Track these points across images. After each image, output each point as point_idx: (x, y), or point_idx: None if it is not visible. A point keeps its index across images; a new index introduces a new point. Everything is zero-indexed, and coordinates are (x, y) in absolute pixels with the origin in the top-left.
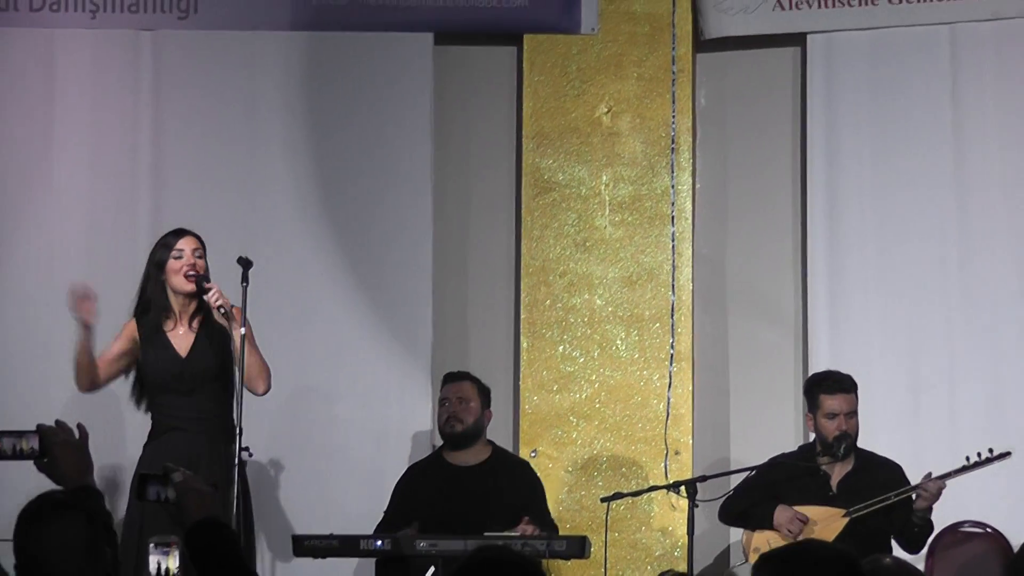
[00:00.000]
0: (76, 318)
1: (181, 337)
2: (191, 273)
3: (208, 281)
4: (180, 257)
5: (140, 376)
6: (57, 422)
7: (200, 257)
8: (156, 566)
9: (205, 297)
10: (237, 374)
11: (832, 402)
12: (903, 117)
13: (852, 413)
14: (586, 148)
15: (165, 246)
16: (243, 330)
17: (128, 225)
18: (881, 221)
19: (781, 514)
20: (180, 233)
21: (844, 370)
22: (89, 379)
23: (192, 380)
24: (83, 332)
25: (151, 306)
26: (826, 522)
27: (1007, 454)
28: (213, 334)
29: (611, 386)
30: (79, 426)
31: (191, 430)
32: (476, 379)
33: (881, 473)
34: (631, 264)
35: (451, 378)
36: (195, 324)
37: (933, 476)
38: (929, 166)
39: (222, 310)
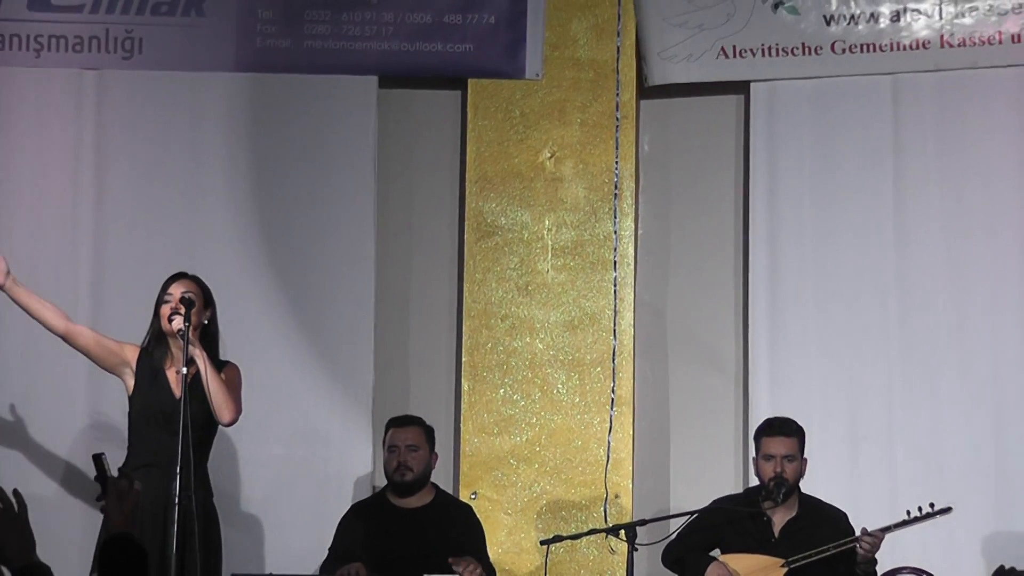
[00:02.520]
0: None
1: (176, 378)
2: (170, 316)
3: (186, 319)
4: (168, 301)
5: (129, 410)
6: None
7: (188, 302)
8: None
9: (170, 325)
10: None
11: (770, 444)
12: (845, 166)
13: (791, 457)
14: (529, 193)
15: (161, 290)
16: (184, 369)
17: (69, 264)
18: (822, 270)
19: (713, 571)
20: (175, 277)
21: (783, 415)
22: (55, 322)
23: (179, 421)
24: (9, 292)
25: (154, 346)
26: (765, 571)
27: (948, 510)
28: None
29: (552, 429)
30: (15, 493)
31: (166, 469)
32: (422, 422)
33: (824, 520)
34: (573, 308)
35: (398, 423)
36: (192, 369)
37: (871, 529)
38: (870, 216)
39: (180, 332)
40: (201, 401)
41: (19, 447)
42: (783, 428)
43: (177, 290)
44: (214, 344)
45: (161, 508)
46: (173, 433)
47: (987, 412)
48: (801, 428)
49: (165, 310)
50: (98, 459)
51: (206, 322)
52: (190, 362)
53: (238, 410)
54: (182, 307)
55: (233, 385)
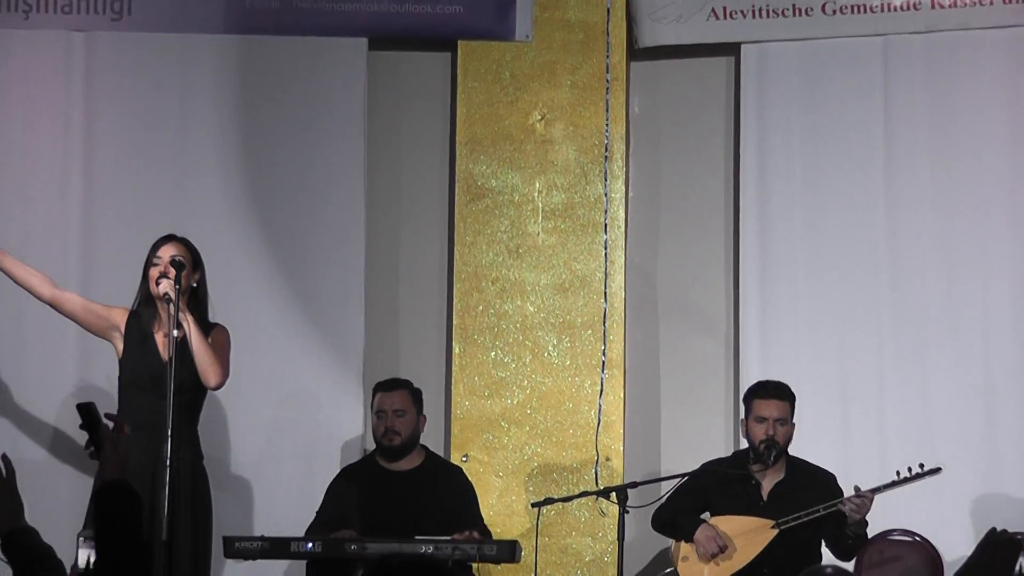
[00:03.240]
0: None
1: (165, 341)
2: (158, 279)
3: (176, 282)
4: (157, 264)
5: (119, 374)
6: None
7: (178, 264)
8: (85, 560)
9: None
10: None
11: (762, 406)
12: (835, 127)
13: (782, 421)
14: (519, 155)
15: (150, 252)
16: (176, 332)
17: (58, 227)
18: (812, 233)
19: (702, 532)
20: (164, 240)
21: (774, 379)
22: (41, 289)
23: (168, 384)
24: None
25: (143, 309)
26: (755, 533)
27: (937, 470)
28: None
29: (542, 392)
30: (3, 458)
31: (155, 432)
32: (409, 384)
33: (813, 482)
34: (563, 271)
35: (385, 387)
36: (181, 333)
37: (862, 490)
38: (860, 176)
39: (167, 297)
40: (190, 364)
41: (8, 412)
42: (776, 391)
43: (166, 253)
44: (203, 307)
45: (150, 471)
46: (161, 396)
47: (976, 375)
48: (793, 393)
49: (154, 273)
50: (88, 408)
51: (195, 285)
52: (178, 326)
53: (225, 373)
54: (171, 270)
55: (221, 348)
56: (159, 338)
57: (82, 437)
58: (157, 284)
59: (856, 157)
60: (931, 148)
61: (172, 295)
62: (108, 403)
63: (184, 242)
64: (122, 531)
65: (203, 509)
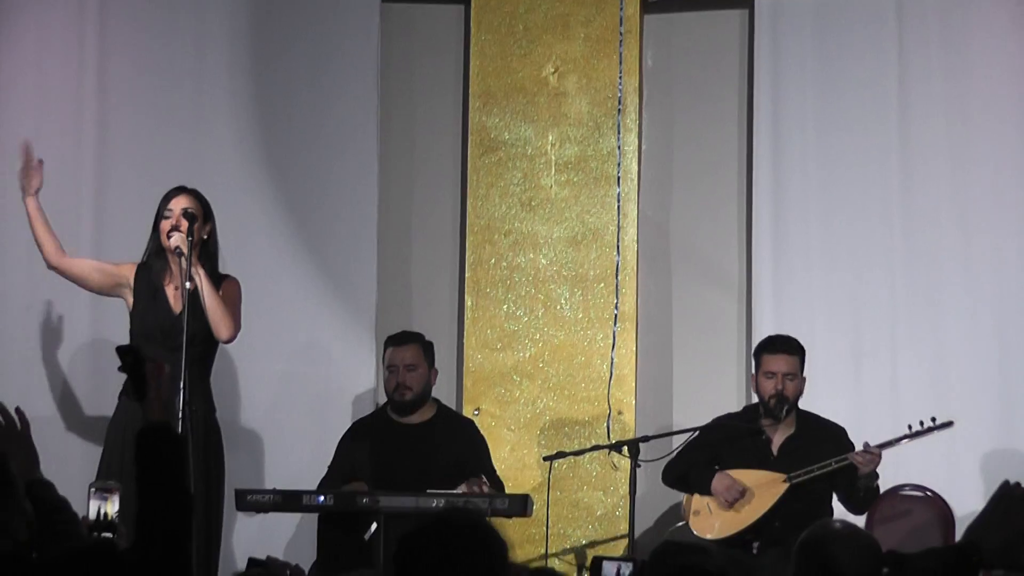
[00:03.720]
0: (29, 184)
1: (175, 294)
2: (170, 232)
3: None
4: (169, 216)
5: (130, 327)
6: None
7: (190, 216)
8: (96, 511)
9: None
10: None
11: (771, 361)
12: (849, 81)
13: (791, 375)
14: (532, 108)
15: (162, 205)
16: (188, 284)
17: (72, 180)
18: (826, 186)
19: (719, 481)
20: (176, 192)
21: (786, 332)
22: (51, 254)
23: (180, 337)
24: (26, 203)
25: (153, 262)
26: (766, 487)
27: (949, 423)
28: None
29: (555, 345)
30: (18, 411)
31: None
32: (420, 338)
33: (823, 436)
34: (576, 224)
35: (396, 341)
36: (191, 285)
37: (874, 444)
38: (874, 131)
39: (178, 250)
40: (201, 317)
41: (21, 366)
42: (785, 346)
43: (177, 205)
44: (214, 259)
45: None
46: (172, 349)
47: (991, 329)
48: (802, 347)
49: (165, 226)
50: (129, 349)
51: (205, 237)
52: (190, 278)
53: (236, 326)
54: (183, 223)
55: (231, 301)
56: (170, 291)
57: (94, 389)
58: (169, 237)
59: (870, 109)
60: (945, 100)
61: (184, 248)
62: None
63: (195, 194)
64: (165, 473)
65: (216, 462)
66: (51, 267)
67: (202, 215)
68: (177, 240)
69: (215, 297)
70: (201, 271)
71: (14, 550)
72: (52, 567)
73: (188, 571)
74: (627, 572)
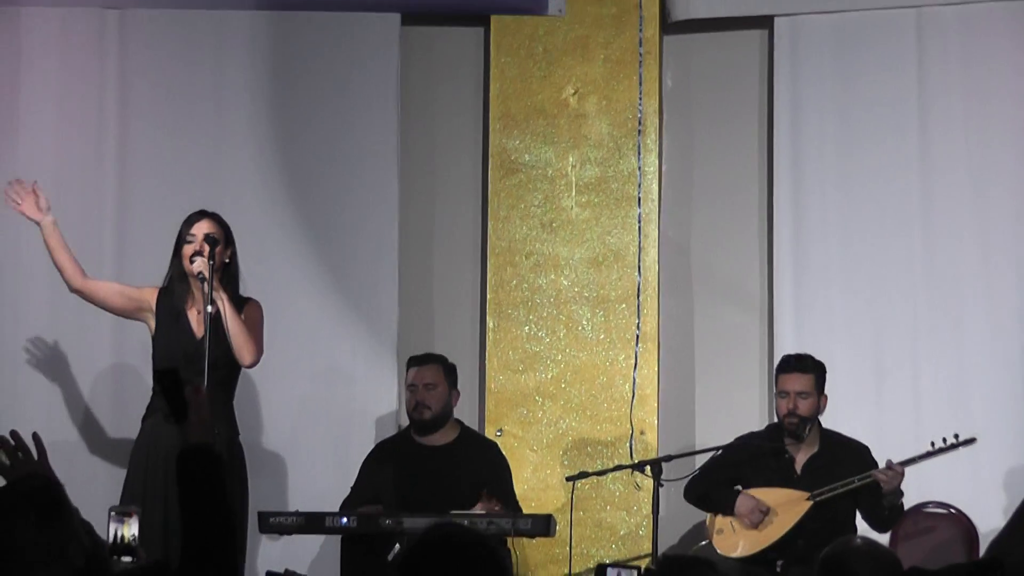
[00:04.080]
0: (38, 212)
1: (198, 318)
2: (192, 256)
3: (209, 257)
4: (192, 241)
5: (152, 352)
6: (9, 436)
7: (212, 241)
8: (114, 534)
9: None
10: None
11: (784, 380)
12: (869, 100)
13: (804, 394)
14: (552, 130)
15: (184, 229)
16: (210, 308)
17: (93, 204)
18: (847, 205)
19: (743, 503)
20: (198, 216)
21: (808, 351)
22: (72, 277)
23: (202, 361)
24: (43, 230)
25: (176, 286)
26: (789, 505)
27: (972, 440)
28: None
29: (577, 366)
30: (35, 437)
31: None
32: (442, 359)
33: (846, 455)
34: (597, 245)
35: (417, 361)
36: (213, 309)
37: (896, 461)
38: (894, 149)
39: (201, 275)
40: (224, 341)
41: (42, 389)
42: (797, 364)
43: (200, 230)
44: (235, 282)
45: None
46: (196, 373)
47: (1013, 345)
48: (819, 364)
49: (188, 251)
50: (169, 373)
51: (227, 261)
52: (212, 302)
53: (259, 351)
54: (205, 247)
55: (254, 325)
56: (192, 315)
57: (117, 413)
58: (191, 262)
59: (890, 129)
60: (965, 119)
61: (207, 273)
62: (142, 382)
63: (216, 218)
64: (208, 494)
65: (240, 486)
66: (73, 290)
67: (224, 239)
68: (200, 265)
69: (238, 322)
70: (223, 296)
71: None
72: None
73: None
74: None
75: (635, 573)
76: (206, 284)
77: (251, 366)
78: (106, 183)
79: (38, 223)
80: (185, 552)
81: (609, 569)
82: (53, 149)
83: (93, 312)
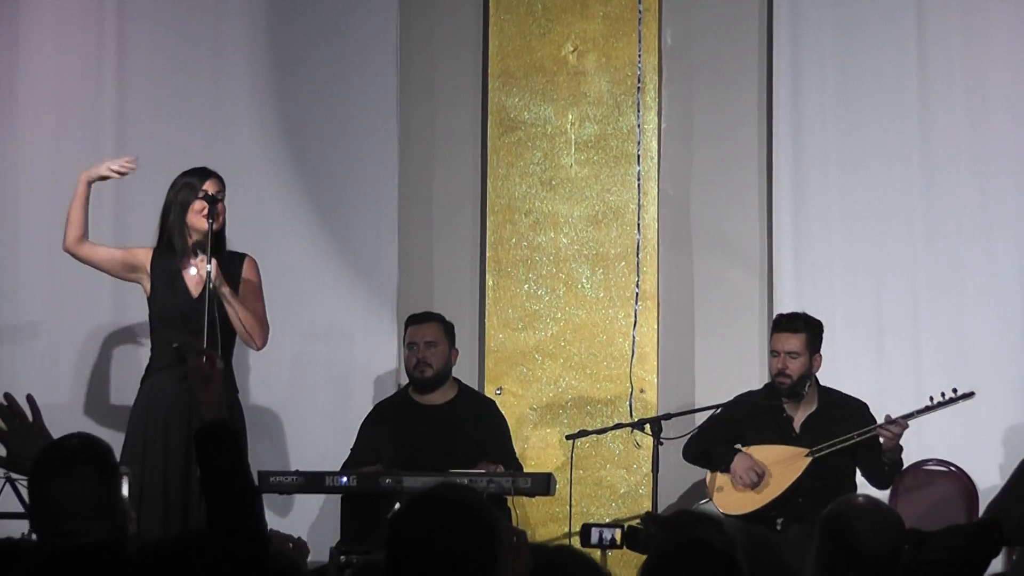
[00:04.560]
0: (99, 173)
1: (192, 277)
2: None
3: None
4: (202, 197)
5: (149, 312)
6: (2, 399)
7: (222, 199)
8: None
9: (207, 268)
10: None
11: (775, 340)
12: (869, 56)
13: (795, 353)
14: (552, 87)
15: (190, 187)
16: (209, 266)
17: (93, 159)
18: (846, 162)
19: (739, 462)
20: (205, 174)
21: (808, 309)
22: (72, 238)
23: (200, 319)
24: (83, 188)
25: (171, 244)
26: (788, 462)
27: (970, 394)
28: (226, 277)
29: (576, 324)
30: (29, 399)
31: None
32: (441, 318)
33: (844, 412)
34: (597, 203)
35: (416, 320)
36: (205, 266)
37: (894, 416)
38: (894, 103)
39: (211, 285)
40: (220, 301)
41: (41, 348)
42: (788, 324)
43: (211, 188)
44: (222, 238)
45: (186, 407)
46: (193, 332)
47: (1013, 303)
48: (812, 323)
49: (197, 205)
50: (176, 349)
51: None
52: (211, 259)
53: (266, 331)
54: (218, 205)
55: (255, 294)
56: (187, 275)
57: (114, 377)
58: (209, 220)
59: (890, 87)
60: (966, 81)
61: (214, 274)
62: (139, 343)
63: (221, 178)
64: (227, 471)
65: (242, 441)
66: (66, 250)
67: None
68: (216, 276)
69: (242, 311)
70: (228, 289)
71: (117, 536)
72: (146, 556)
73: (265, 558)
74: (610, 537)
75: (618, 532)
76: (203, 247)
77: (261, 348)
78: (104, 156)
79: (98, 178)
80: (212, 527)
81: (593, 529)
82: (51, 123)
83: (91, 273)
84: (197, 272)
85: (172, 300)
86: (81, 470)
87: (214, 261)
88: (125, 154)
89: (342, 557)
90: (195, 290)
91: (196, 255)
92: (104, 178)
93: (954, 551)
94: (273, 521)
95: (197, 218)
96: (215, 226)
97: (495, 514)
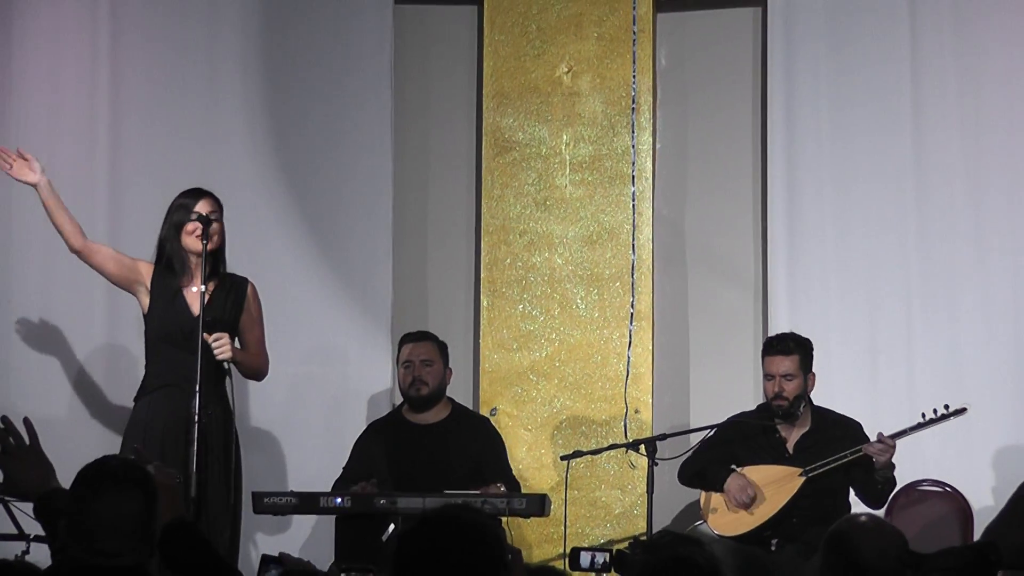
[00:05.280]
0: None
1: (194, 295)
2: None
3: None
4: (195, 219)
5: (146, 329)
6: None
7: (216, 220)
8: None
9: (212, 346)
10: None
11: (768, 363)
12: (862, 76)
13: (789, 375)
14: (546, 108)
15: (184, 208)
16: (203, 287)
17: (86, 174)
18: (840, 182)
19: (733, 482)
20: (199, 194)
21: (802, 329)
22: (73, 237)
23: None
24: (40, 192)
25: (171, 265)
26: (782, 482)
27: (962, 410)
28: (225, 297)
29: (571, 345)
30: (26, 422)
31: (186, 388)
32: (436, 338)
33: (838, 432)
34: (591, 223)
35: (412, 338)
36: (210, 285)
37: (887, 434)
38: (888, 125)
39: (225, 365)
40: (220, 320)
41: (35, 364)
42: (780, 347)
43: (204, 209)
44: (223, 259)
45: (183, 427)
46: (192, 352)
47: (1007, 323)
48: (803, 343)
49: (191, 227)
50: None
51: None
52: (205, 281)
53: (266, 362)
54: (212, 225)
55: (258, 326)
56: (188, 293)
57: (109, 393)
58: (204, 241)
59: (884, 103)
60: (959, 97)
61: (226, 358)
62: (134, 360)
63: (214, 197)
64: (199, 567)
65: (234, 466)
66: (73, 250)
67: (221, 217)
68: (198, 246)
69: (246, 358)
70: (238, 356)
71: (145, 560)
72: None
73: None
74: (601, 561)
75: (607, 555)
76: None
77: (262, 380)
78: (98, 169)
79: (34, 185)
80: None
81: (583, 553)
82: (45, 135)
83: (85, 287)
84: (198, 291)
85: (173, 318)
86: (130, 491)
87: (208, 286)
88: (119, 165)
89: (342, 574)
90: (195, 308)
91: (196, 274)
92: (27, 169)
93: (950, 573)
94: (267, 541)
95: (191, 239)
96: (209, 246)
97: (502, 535)
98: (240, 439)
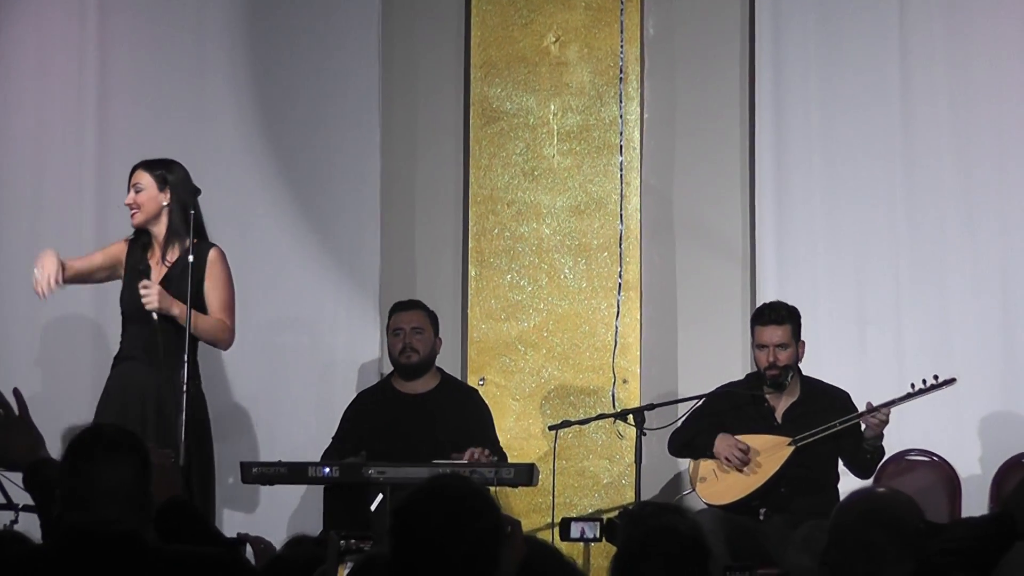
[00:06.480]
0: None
1: (155, 269)
2: (131, 212)
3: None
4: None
5: (120, 300)
6: None
7: (139, 191)
8: None
9: (140, 294)
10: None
11: (761, 333)
12: (851, 44)
13: (783, 345)
14: (534, 77)
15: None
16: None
17: (74, 154)
18: (828, 153)
19: (721, 442)
20: (135, 167)
21: (791, 300)
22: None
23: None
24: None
25: (140, 239)
26: (771, 451)
27: (952, 380)
28: (184, 269)
29: (559, 315)
30: (15, 392)
31: (146, 361)
32: (426, 307)
33: (827, 402)
34: (579, 193)
35: (402, 307)
36: (168, 258)
37: (876, 404)
38: (876, 94)
39: (153, 316)
40: (179, 290)
41: (25, 343)
42: (774, 316)
43: (134, 179)
44: (186, 229)
45: (150, 397)
46: (147, 323)
47: (995, 294)
48: (794, 311)
49: (128, 200)
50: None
51: (165, 204)
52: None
53: (231, 333)
54: (139, 195)
55: (222, 286)
56: (154, 265)
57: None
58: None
59: (872, 78)
60: (948, 72)
61: (153, 308)
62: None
63: (149, 166)
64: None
65: (201, 431)
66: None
67: (159, 184)
68: (153, 302)
69: (203, 323)
70: (181, 309)
71: (141, 527)
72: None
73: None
74: (591, 532)
75: (598, 525)
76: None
77: (227, 349)
78: (86, 149)
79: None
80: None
81: (573, 523)
82: (33, 116)
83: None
84: (159, 265)
85: (131, 292)
86: (125, 458)
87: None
88: (107, 143)
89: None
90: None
91: (156, 248)
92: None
93: (966, 542)
94: (255, 511)
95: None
96: (139, 217)
97: (499, 505)
98: (228, 409)
